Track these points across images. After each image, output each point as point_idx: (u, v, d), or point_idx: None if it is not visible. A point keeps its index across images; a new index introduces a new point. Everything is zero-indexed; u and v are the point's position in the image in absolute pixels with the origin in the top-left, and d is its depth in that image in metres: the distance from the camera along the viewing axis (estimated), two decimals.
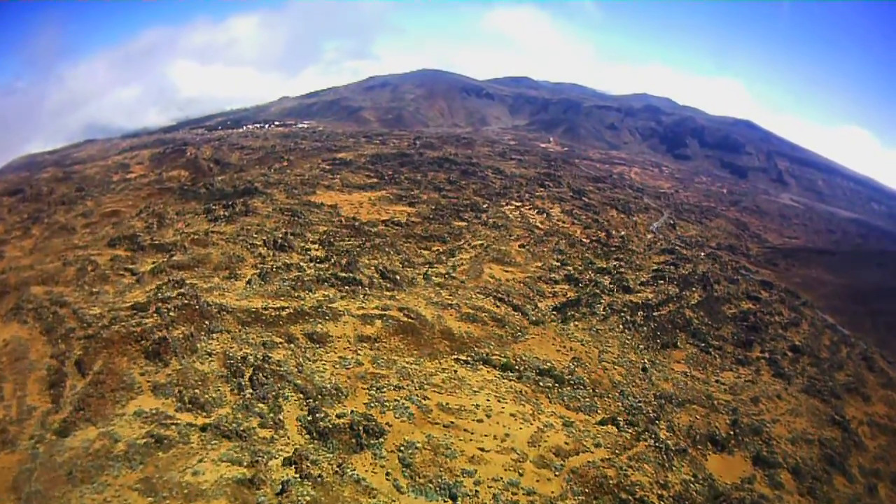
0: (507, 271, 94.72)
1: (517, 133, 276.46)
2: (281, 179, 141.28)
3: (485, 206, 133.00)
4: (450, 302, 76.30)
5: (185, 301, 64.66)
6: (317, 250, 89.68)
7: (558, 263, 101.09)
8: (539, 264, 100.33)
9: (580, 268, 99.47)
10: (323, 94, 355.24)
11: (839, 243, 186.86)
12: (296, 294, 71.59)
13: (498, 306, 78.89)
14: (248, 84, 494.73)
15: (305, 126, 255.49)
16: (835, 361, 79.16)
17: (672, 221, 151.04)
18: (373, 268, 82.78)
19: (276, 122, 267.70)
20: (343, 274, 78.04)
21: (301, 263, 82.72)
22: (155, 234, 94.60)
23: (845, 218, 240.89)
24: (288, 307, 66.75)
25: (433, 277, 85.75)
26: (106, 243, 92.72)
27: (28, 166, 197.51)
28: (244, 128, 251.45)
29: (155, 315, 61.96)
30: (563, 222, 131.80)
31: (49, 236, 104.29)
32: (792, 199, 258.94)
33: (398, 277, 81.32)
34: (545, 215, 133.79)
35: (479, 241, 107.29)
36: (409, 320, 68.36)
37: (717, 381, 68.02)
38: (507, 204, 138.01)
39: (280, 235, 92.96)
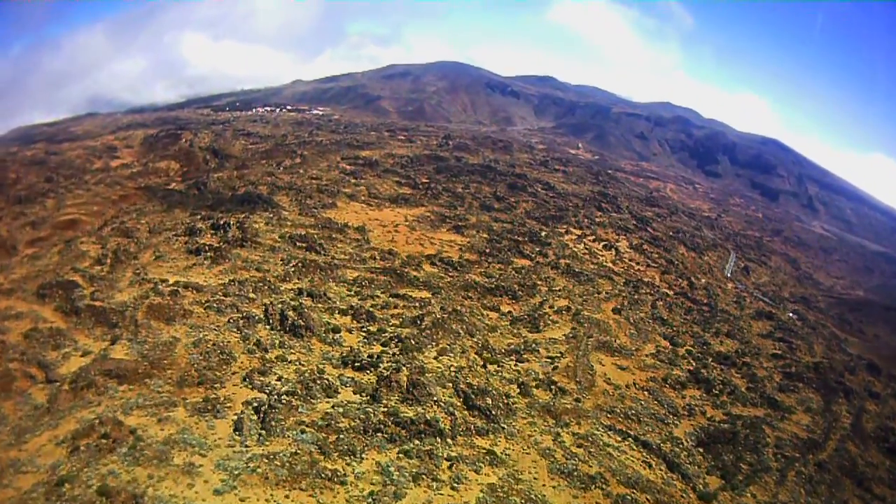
0: (621, 367, 61.35)
1: (544, 136, 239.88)
2: (292, 182, 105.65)
3: (544, 234, 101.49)
4: (587, 470, 40.63)
5: None
6: (349, 330, 53.84)
7: (668, 344, 71.20)
8: (651, 348, 68.64)
9: (695, 352, 70.54)
10: (339, 80, 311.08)
11: (887, 288, 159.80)
12: (326, 468, 35.01)
13: (649, 463, 44.60)
14: (261, 63, 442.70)
15: (320, 113, 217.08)
16: None
17: (743, 264, 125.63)
18: (449, 384, 46.62)
19: (289, 107, 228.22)
20: (406, 411, 41.70)
21: (326, 370, 46.21)
22: (103, 280, 57.99)
23: (875, 252, 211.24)
24: None
25: (534, 389, 50.63)
26: (36, 290, 56.52)
27: (22, 139, 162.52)
28: (253, 110, 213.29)
29: None
30: (637, 262, 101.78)
31: None
32: (823, 227, 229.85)
33: (489, 402, 45.52)
34: (614, 251, 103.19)
35: (563, 301, 74.65)
36: None
37: None
38: (566, 232, 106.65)
39: (291, 299, 56.95)
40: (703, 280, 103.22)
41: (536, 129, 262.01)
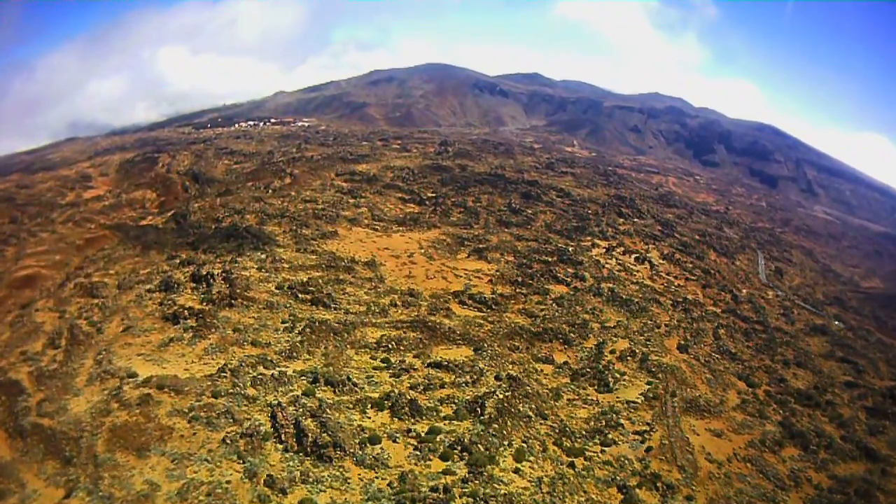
0: (715, 433, 48.08)
1: (538, 135, 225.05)
2: (284, 208, 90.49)
3: (571, 250, 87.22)
4: None
5: None
6: (392, 437, 37.47)
7: (745, 385, 59.13)
8: (734, 397, 55.80)
9: (773, 392, 58.88)
10: (323, 89, 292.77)
11: None
12: None
13: None
14: (243, 76, 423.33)
15: (306, 125, 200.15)
16: None
17: (773, 266, 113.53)
18: None
19: (273, 120, 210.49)
20: None
21: None
22: (54, 378, 42.26)
23: (879, 233, 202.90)
24: None
25: (637, 491, 36.82)
26: None
27: None
28: (236, 126, 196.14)
29: None
30: (674, 276, 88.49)
31: None
32: (825, 211, 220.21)
33: None
34: (648, 265, 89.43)
35: (623, 343, 60.91)
36: None
37: None
38: (592, 245, 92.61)
39: (304, 392, 41.18)
40: (745, 291, 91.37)
41: (529, 129, 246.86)
